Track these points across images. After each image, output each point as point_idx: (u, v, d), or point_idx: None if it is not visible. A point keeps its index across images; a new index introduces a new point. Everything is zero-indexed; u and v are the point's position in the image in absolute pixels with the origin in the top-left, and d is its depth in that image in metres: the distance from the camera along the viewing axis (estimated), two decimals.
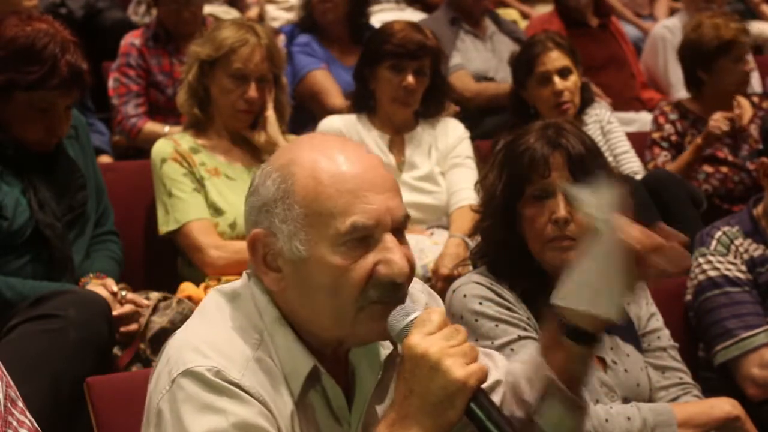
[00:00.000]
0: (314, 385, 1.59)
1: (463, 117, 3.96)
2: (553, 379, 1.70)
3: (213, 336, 1.56)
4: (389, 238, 1.54)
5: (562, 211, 2.22)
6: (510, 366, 1.80)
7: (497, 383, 1.75)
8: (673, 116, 4.29)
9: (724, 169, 4.20)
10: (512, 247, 2.29)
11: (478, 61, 4.91)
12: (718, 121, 4.06)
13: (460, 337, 1.48)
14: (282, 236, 1.54)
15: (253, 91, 3.26)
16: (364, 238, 1.53)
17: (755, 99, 4.39)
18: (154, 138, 3.61)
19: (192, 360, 1.51)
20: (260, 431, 1.49)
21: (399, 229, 1.57)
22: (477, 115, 4.46)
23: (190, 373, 1.50)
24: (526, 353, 1.79)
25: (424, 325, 1.48)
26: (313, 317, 1.57)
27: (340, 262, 1.52)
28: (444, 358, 1.44)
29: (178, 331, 1.63)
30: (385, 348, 1.65)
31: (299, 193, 1.54)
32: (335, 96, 4.39)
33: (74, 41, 2.79)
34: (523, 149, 2.27)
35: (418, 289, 1.75)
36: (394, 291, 1.54)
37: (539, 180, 2.24)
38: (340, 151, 1.57)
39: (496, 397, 1.72)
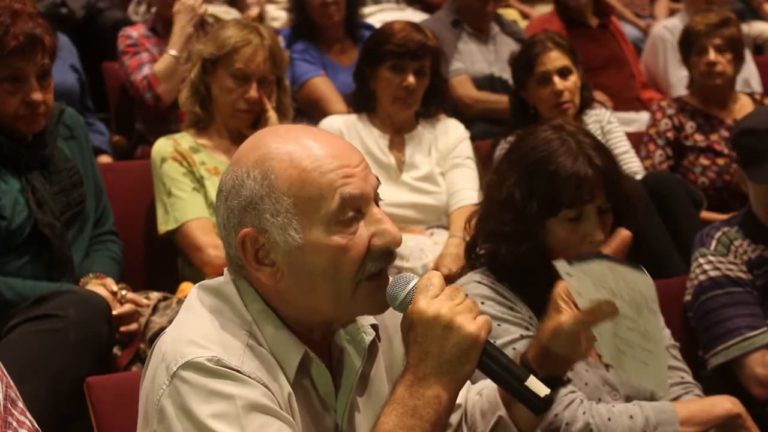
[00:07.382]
0: (305, 372, 1.61)
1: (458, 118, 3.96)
2: (506, 420, 1.73)
3: (205, 328, 1.57)
4: (376, 210, 1.59)
5: (600, 236, 2.19)
6: (468, 393, 1.83)
7: (458, 406, 1.77)
8: (670, 111, 4.29)
9: (721, 161, 4.19)
10: (532, 260, 2.23)
11: (481, 63, 4.91)
12: None
13: (461, 295, 1.54)
14: (275, 229, 1.55)
15: (254, 92, 3.26)
16: (354, 215, 1.56)
17: (757, 97, 4.39)
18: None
19: (190, 352, 1.52)
20: (269, 410, 1.50)
21: (376, 200, 1.62)
22: (470, 118, 4.45)
23: (190, 365, 1.51)
24: (485, 384, 1.81)
25: (428, 290, 1.54)
26: (312, 302, 1.58)
27: (338, 241, 1.55)
28: (455, 316, 1.51)
29: (167, 328, 1.64)
30: (368, 335, 1.68)
31: (284, 184, 1.55)
32: (336, 103, 4.38)
33: (32, 12, 2.79)
34: (568, 174, 2.19)
35: None
36: (389, 259, 1.59)
37: (581, 205, 2.20)
38: (309, 137, 1.60)
39: (453, 419, 1.76)
